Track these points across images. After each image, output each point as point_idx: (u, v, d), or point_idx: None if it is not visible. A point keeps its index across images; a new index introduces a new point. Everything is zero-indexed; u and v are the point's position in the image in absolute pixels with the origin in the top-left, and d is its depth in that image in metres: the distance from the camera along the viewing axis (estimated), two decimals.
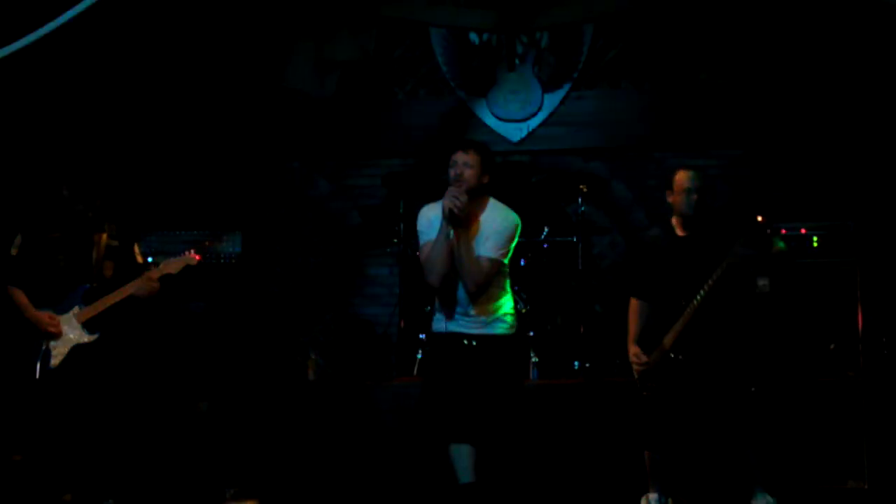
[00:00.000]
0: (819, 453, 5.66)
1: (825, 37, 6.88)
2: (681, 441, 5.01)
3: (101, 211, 5.18)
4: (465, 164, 4.62)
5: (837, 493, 5.59)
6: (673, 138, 7.31)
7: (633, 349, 5.09)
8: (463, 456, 4.62)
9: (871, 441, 5.69)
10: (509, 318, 4.75)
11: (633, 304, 5.19)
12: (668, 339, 4.95)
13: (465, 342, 4.68)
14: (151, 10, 6.62)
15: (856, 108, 6.91)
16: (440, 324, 4.77)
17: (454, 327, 4.72)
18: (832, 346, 5.79)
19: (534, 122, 7.41)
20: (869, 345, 5.86)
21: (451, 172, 4.64)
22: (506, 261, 4.72)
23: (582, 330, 6.54)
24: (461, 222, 4.54)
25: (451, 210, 4.50)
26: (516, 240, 4.72)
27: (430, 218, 4.73)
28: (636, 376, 5.06)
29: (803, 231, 5.99)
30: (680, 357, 4.93)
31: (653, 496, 5.08)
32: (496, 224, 4.66)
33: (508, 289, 4.79)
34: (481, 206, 4.70)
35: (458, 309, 4.69)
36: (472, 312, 4.67)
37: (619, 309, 7.20)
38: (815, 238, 5.93)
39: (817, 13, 6.76)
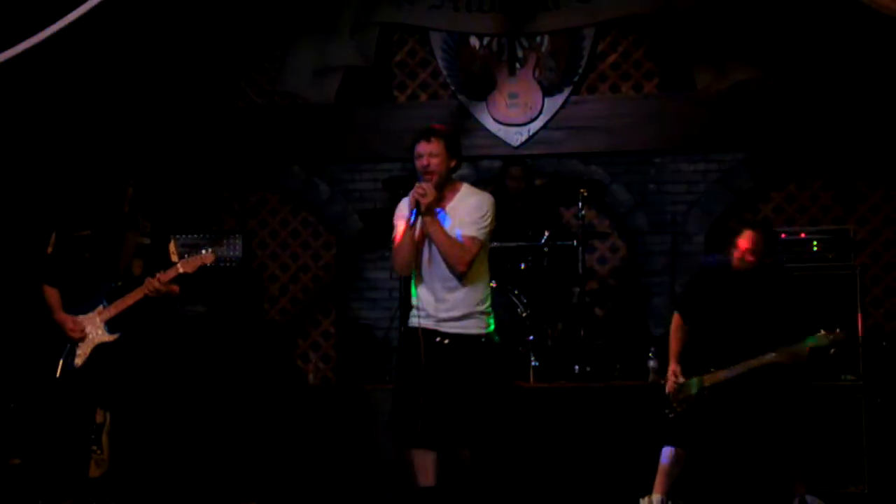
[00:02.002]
0: (819, 457, 5.65)
1: (826, 41, 6.89)
2: (706, 445, 5.07)
3: (135, 208, 5.19)
4: (430, 154, 4.52)
5: (838, 497, 5.58)
6: (673, 143, 7.32)
7: (673, 366, 5.18)
8: (425, 460, 4.53)
9: (871, 445, 5.69)
10: (485, 318, 4.59)
11: (677, 319, 5.26)
12: (708, 378, 5.07)
13: (437, 339, 4.53)
14: (150, 15, 6.63)
15: (857, 111, 6.92)
16: (414, 319, 4.63)
17: (428, 322, 4.57)
18: (832, 351, 5.78)
19: (534, 127, 7.41)
20: (869, 349, 5.86)
21: (418, 164, 4.55)
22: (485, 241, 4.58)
23: (582, 334, 6.53)
24: (430, 212, 4.48)
25: (418, 202, 4.46)
26: (493, 220, 4.60)
27: (403, 208, 4.65)
28: (667, 392, 5.15)
29: (803, 235, 6.00)
30: (710, 396, 5.05)
31: (656, 497, 5.06)
32: (472, 205, 4.57)
33: (485, 284, 4.64)
34: (454, 192, 4.62)
35: (432, 303, 4.56)
36: (446, 307, 4.53)
37: (618, 313, 7.27)
38: (814, 242, 5.93)
39: (818, 17, 6.77)
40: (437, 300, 4.56)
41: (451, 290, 4.54)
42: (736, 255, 5.09)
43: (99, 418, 5.18)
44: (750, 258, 5.05)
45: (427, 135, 4.59)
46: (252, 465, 5.91)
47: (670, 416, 5.11)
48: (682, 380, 5.10)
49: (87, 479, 5.11)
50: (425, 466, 4.54)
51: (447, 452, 4.55)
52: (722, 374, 5.03)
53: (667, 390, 5.16)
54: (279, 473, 5.89)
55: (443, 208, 4.58)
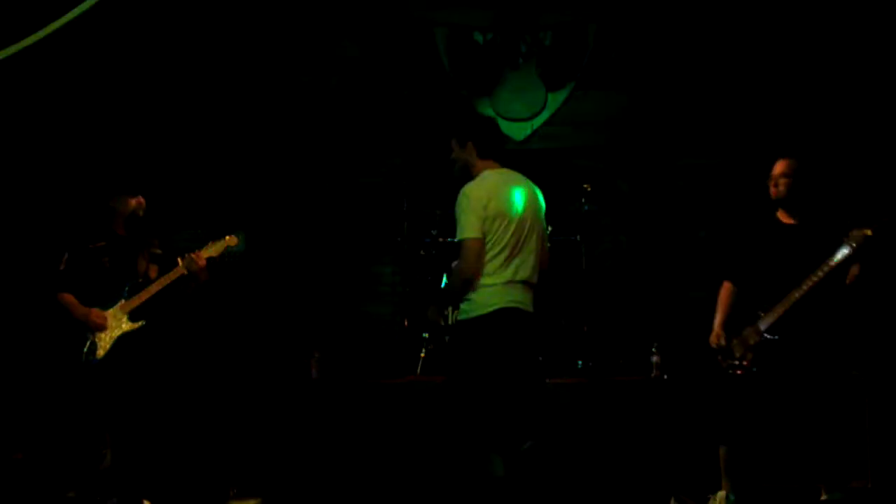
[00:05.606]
0: (822, 452, 5.64)
1: (828, 38, 6.89)
2: (758, 433, 4.91)
3: (149, 216, 5.28)
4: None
5: (841, 491, 5.57)
6: (676, 137, 7.32)
7: (717, 331, 4.95)
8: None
9: (875, 440, 5.68)
10: (465, 304, 4.43)
11: (726, 288, 5.04)
12: (765, 320, 4.82)
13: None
14: (157, 13, 6.65)
15: (856, 109, 6.91)
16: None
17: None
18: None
19: (538, 121, 7.41)
20: (873, 343, 5.85)
21: None
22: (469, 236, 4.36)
23: (585, 329, 6.54)
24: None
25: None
26: (474, 212, 4.33)
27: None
28: (718, 358, 4.94)
29: None
30: (776, 337, 4.81)
31: (721, 494, 4.99)
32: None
33: (485, 268, 4.40)
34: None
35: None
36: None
37: (621, 308, 7.27)
38: None
39: (818, 15, 6.77)
40: None
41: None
42: (771, 189, 4.91)
43: None
44: (783, 182, 4.87)
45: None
46: (256, 460, 5.92)
47: (738, 372, 4.87)
48: (723, 342, 4.89)
49: (97, 471, 5.15)
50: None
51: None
52: (776, 311, 4.78)
53: (714, 349, 4.94)
54: (283, 469, 5.90)
55: None
